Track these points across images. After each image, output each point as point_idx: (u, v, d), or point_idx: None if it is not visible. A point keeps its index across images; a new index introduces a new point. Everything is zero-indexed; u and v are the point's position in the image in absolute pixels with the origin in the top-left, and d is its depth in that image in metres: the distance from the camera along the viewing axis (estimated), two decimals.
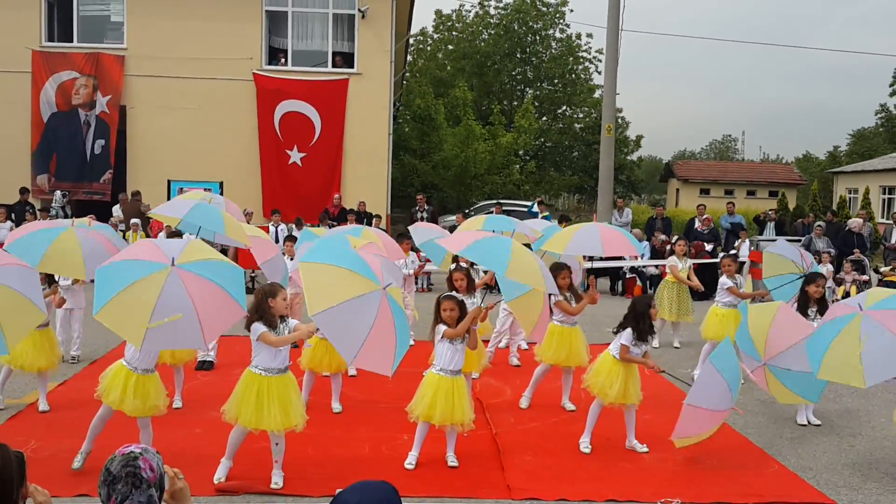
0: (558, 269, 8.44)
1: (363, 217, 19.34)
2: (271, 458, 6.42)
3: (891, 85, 53.21)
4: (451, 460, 6.83)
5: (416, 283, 13.00)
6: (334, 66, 22.54)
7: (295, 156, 21.96)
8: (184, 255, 5.57)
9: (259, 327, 6.17)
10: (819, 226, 17.60)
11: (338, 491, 2.68)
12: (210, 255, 5.79)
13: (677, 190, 48.06)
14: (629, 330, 7.23)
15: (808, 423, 8.46)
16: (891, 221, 19.55)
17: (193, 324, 5.24)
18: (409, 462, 6.81)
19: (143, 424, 6.42)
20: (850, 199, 35.61)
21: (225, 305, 5.50)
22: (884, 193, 35.35)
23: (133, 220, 17.42)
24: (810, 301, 8.47)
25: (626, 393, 7.21)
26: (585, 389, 7.50)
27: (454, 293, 6.98)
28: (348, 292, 5.47)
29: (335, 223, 18.78)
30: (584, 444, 7.36)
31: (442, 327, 6.73)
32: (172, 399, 7.97)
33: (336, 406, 8.37)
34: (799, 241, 17.49)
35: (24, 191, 19.77)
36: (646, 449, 7.33)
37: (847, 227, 18.48)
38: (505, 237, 7.18)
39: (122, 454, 3.09)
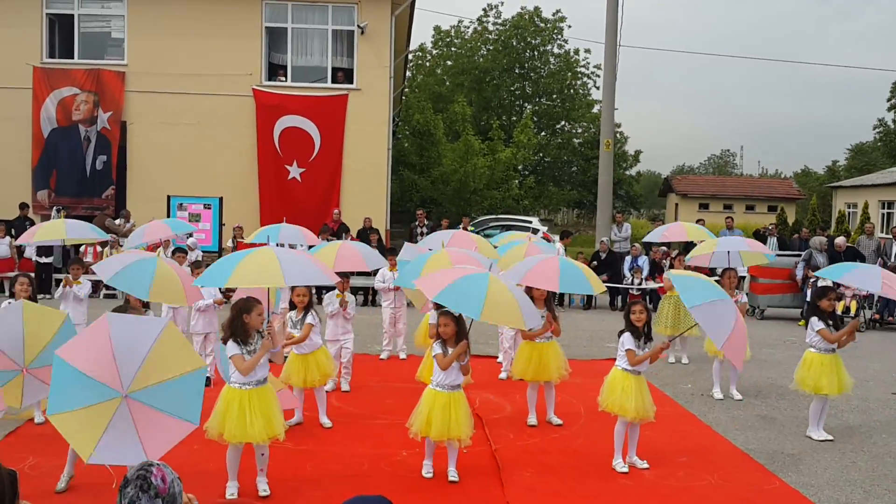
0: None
1: (366, 232, 19.33)
2: (271, 472, 6.42)
3: (888, 99, 53.48)
4: (452, 475, 6.81)
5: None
6: (334, 81, 22.60)
7: (294, 171, 21.99)
8: (137, 381, 5.23)
9: (231, 348, 6.25)
10: (815, 241, 17.56)
11: None
12: (166, 375, 5.33)
13: (676, 205, 48.15)
14: (627, 334, 7.22)
15: (823, 438, 8.40)
16: (890, 236, 19.51)
17: (136, 447, 5.23)
18: (427, 471, 6.84)
19: None
20: (849, 213, 35.64)
21: (172, 429, 5.32)
22: (883, 208, 35.39)
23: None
24: (825, 315, 8.41)
25: (645, 406, 7.13)
26: (604, 410, 7.35)
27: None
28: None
29: (335, 238, 18.76)
30: (620, 465, 7.23)
31: (437, 348, 6.74)
32: None
33: (325, 421, 8.37)
34: (799, 255, 17.48)
35: (23, 206, 19.78)
36: (646, 465, 7.29)
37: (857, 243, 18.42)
38: (483, 273, 6.81)
39: (141, 464, 3.17)
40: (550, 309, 8.58)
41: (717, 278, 11.59)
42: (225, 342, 6.29)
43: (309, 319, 8.23)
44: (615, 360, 7.44)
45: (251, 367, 6.20)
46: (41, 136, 21.63)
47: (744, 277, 17.44)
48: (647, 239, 14.58)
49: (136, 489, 3.05)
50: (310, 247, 10.07)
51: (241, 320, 6.26)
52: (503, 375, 10.82)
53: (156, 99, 21.63)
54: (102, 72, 21.69)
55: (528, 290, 8.70)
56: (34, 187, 21.59)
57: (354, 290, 9.53)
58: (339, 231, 19.40)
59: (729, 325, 6.85)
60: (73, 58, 22.13)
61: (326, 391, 9.08)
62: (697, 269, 11.68)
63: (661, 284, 17.87)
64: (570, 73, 46.67)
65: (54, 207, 19.68)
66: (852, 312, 16.03)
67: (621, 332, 7.31)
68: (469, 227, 21.72)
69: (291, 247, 10.63)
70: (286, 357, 9.82)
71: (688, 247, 18.92)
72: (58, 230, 11.35)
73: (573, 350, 8.94)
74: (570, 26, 50.40)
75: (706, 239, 13.84)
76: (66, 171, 21.74)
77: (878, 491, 6.96)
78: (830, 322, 8.36)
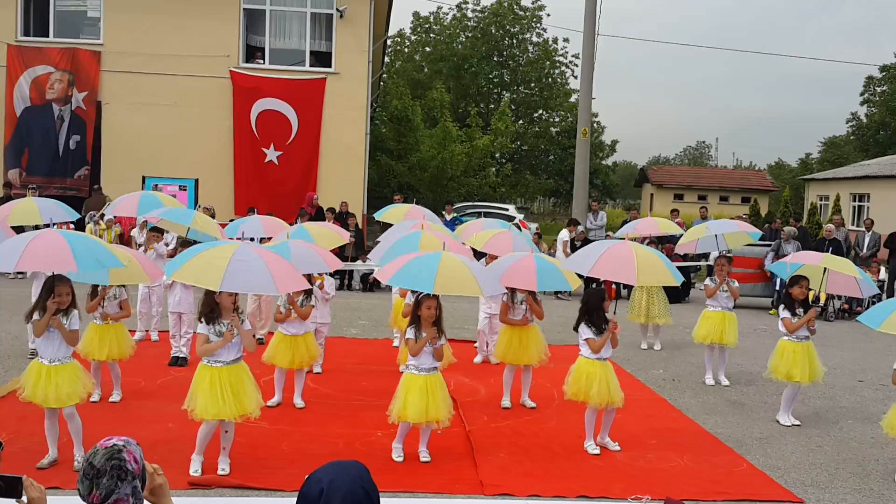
0: None
1: (343, 217, 19.28)
2: (241, 450, 6.52)
3: (861, 94, 54.00)
4: (424, 455, 6.89)
5: None
6: (312, 65, 22.51)
7: (271, 154, 21.91)
8: None
9: (200, 326, 6.34)
10: (787, 230, 17.80)
11: (307, 477, 2.69)
12: None
13: (651, 195, 48.50)
14: (583, 324, 7.31)
15: (791, 423, 8.56)
16: (862, 228, 19.81)
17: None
18: (398, 455, 6.89)
19: (69, 414, 6.36)
20: (821, 205, 36.03)
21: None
22: (854, 201, 35.80)
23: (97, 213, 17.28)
24: (796, 303, 8.55)
25: (610, 391, 7.22)
26: (570, 399, 7.43)
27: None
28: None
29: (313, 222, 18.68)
30: (591, 447, 7.36)
31: (409, 333, 6.80)
32: (110, 394, 8.31)
33: (299, 402, 8.43)
34: (769, 245, 17.69)
35: (7, 185, 19.57)
36: (618, 447, 7.39)
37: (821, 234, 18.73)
38: (436, 253, 7.05)
39: (105, 447, 3.02)
40: (532, 293, 8.65)
41: (709, 263, 11.75)
42: (199, 319, 6.36)
43: (311, 301, 8.38)
44: None
45: (207, 352, 6.26)
46: (14, 115, 21.38)
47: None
48: (619, 233, 14.74)
49: (112, 480, 2.95)
50: (262, 239, 9.92)
51: (211, 300, 6.32)
52: (478, 359, 10.90)
53: (132, 79, 21.43)
54: (78, 51, 21.46)
55: None
56: (5, 166, 21.35)
57: (331, 273, 9.55)
58: (318, 215, 19.32)
59: (595, 256, 7.51)
60: (48, 36, 21.87)
61: None
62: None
63: None
64: (548, 62, 46.72)
65: (28, 187, 19.40)
66: (822, 302, 16.24)
67: (577, 326, 7.40)
68: (452, 215, 21.79)
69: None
70: (261, 339, 9.86)
71: (661, 236, 19.09)
72: (32, 214, 10.86)
73: (547, 336, 9.03)
74: (548, 15, 50.50)
75: (677, 231, 14.12)
76: (38, 150, 21.50)
77: (843, 474, 7.12)
78: (802, 310, 8.51)
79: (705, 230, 11.62)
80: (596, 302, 7.33)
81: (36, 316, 6.35)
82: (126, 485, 2.99)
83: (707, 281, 10.49)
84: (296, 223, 18.06)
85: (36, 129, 21.47)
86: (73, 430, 6.39)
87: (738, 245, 13.60)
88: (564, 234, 18.93)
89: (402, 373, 7.06)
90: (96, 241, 6.34)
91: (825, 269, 8.67)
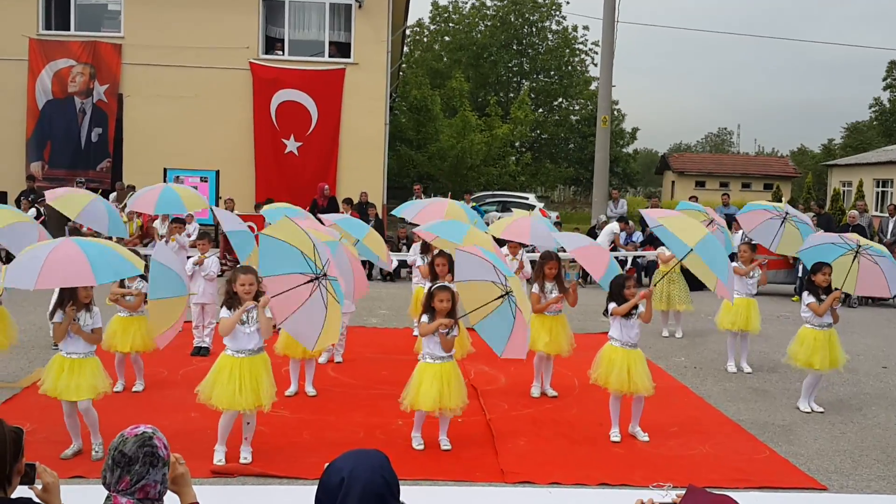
0: (546, 259, 8.57)
1: (363, 207, 19.29)
2: (263, 439, 6.59)
3: (884, 79, 53.38)
4: (444, 444, 6.90)
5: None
6: (331, 55, 22.52)
7: (291, 145, 21.96)
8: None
9: (222, 312, 6.42)
10: (811, 217, 17.63)
11: (326, 465, 2.70)
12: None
13: (673, 182, 48.19)
14: (612, 304, 7.30)
15: (812, 410, 8.50)
16: (886, 214, 19.61)
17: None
18: (418, 444, 6.91)
19: (84, 408, 6.42)
20: (844, 191, 35.69)
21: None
22: (877, 186, 35.44)
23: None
24: (819, 290, 8.44)
25: (631, 381, 7.16)
26: (594, 383, 7.44)
27: (448, 284, 7.04)
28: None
29: (326, 213, 18.68)
30: (613, 434, 7.34)
31: (424, 319, 6.81)
32: (133, 384, 8.42)
33: (310, 390, 8.48)
34: None
35: (30, 178, 19.76)
36: (647, 438, 7.32)
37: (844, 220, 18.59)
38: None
39: (135, 435, 3.08)
40: (559, 283, 8.61)
41: (732, 251, 11.47)
42: (221, 307, 6.45)
43: None
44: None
45: (228, 328, 6.31)
46: (36, 108, 21.55)
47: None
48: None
49: (145, 467, 3.02)
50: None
51: (230, 288, 6.41)
52: None
53: (152, 72, 21.53)
54: (99, 44, 21.59)
55: (541, 268, 8.68)
56: (28, 159, 21.55)
57: None
58: (330, 206, 19.29)
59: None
60: (69, 30, 22.00)
61: (321, 363, 9.19)
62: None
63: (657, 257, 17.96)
64: (567, 50, 46.51)
65: (77, 180, 19.30)
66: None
67: (606, 310, 7.39)
68: (471, 204, 21.76)
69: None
70: (277, 328, 9.89)
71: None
72: (73, 208, 10.37)
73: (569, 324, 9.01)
74: (568, 2, 50.21)
75: (703, 217, 13.79)
76: (61, 143, 21.68)
77: (867, 461, 7.07)
78: (825, 296, 8.40)
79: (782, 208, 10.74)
80: (616, 288, 7.33)
81: (57, 317, 6.40)
82: (156, 471, 3.06)
83: (735, 264, 10.39)
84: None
85: (58, 123, 21.64)
86: (89, 422, 6.47)
87: (788, 252, 12.69)
88: (615, 227, 18.80)
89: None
90: (112, 248, 6.29)
91: (851, 261, 8.58)
